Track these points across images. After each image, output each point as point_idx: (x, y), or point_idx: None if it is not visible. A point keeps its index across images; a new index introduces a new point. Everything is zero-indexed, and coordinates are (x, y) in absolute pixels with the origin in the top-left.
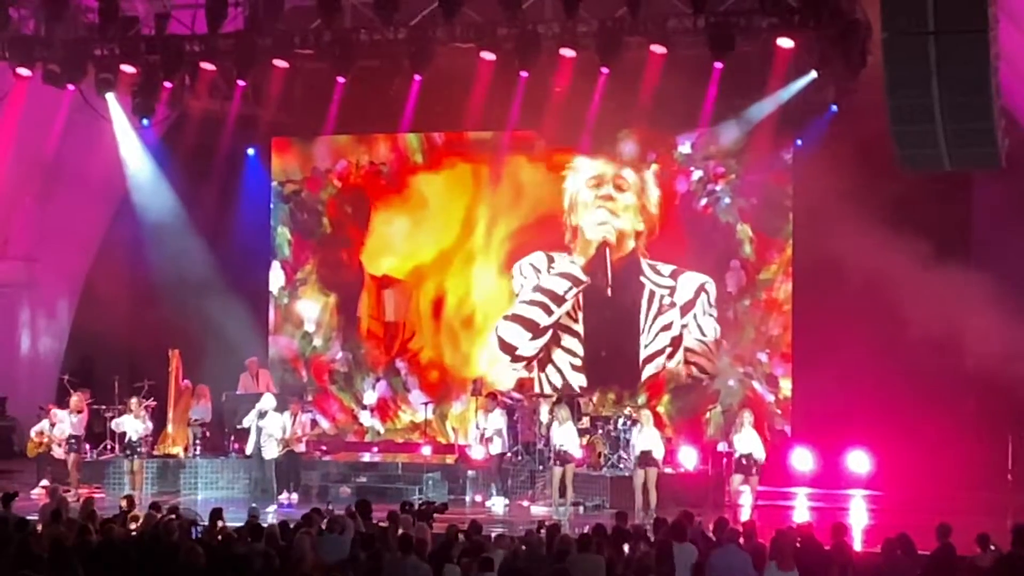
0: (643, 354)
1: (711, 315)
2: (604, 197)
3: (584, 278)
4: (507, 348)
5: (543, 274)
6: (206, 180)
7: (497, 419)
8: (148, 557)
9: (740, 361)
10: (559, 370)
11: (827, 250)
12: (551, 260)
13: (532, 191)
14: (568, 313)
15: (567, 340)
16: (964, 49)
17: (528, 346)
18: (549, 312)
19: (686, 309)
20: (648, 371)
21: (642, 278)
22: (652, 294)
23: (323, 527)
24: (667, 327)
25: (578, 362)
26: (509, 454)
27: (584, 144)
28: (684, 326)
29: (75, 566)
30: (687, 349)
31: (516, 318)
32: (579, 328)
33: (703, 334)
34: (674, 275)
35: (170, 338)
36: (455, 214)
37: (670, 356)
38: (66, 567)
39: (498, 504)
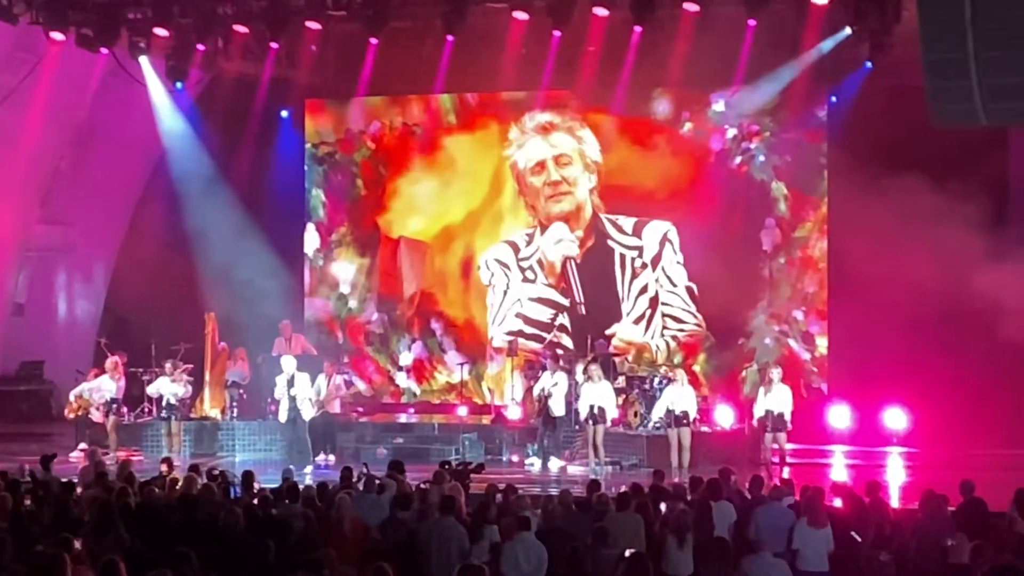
0: (625, 322)
1: (678, 262)
2: (552, 184)
3: (564, 301)
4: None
5: (513, 271)
6: (240, 143)
7: (563, 380)
8: (188, 519)
9: (776, 319)
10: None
11: (862, 207)
12: (516, 250)
13: None
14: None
15: (560, 337)
16: (1000, 2)
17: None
18: (541, 340)
19: (655, 263)
20: (629, 336)
21: (609, 242)
22: (623, 258)
23: (361, 487)
24: (643, 290)
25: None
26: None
27: (618, 103)
28: (656, 281)
29: (119, 528)
30: (663, 303)
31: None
32: (567, 322)
33: (673, 284)
34: (637, 228)
35: (206, 301)
36: (483, 174)
37: (649, 320)
38: (110, 529)
39: (539, 464)
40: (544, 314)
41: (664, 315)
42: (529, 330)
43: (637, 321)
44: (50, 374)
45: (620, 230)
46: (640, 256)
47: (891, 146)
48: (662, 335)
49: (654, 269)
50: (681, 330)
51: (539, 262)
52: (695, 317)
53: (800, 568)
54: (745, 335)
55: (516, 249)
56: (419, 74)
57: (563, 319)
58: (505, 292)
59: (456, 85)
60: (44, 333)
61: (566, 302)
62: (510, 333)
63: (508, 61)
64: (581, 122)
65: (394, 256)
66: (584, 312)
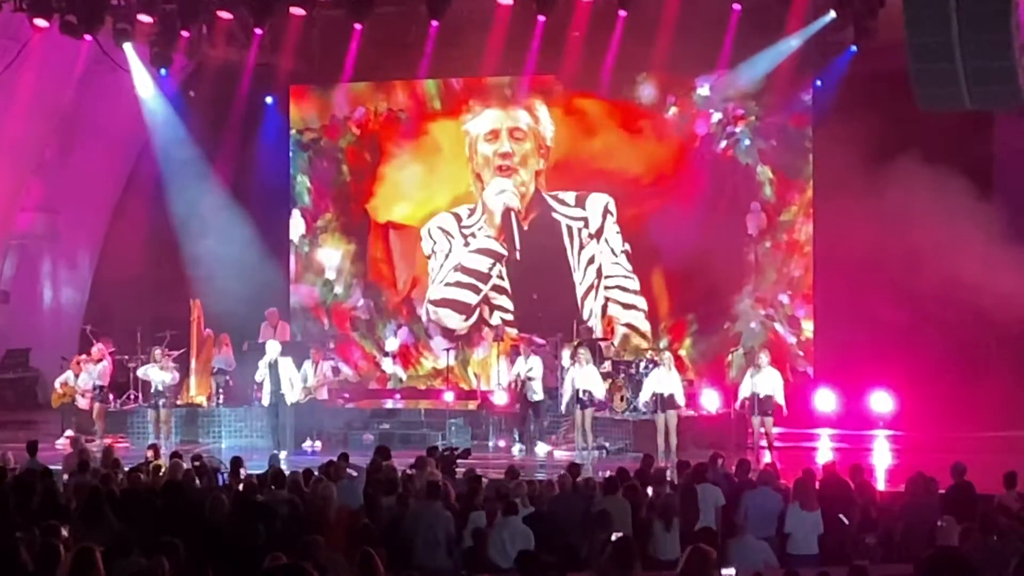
0: (579, 292)
1: (616, 232)
2: (503, 155)
3: (503, 250)
4: (445, 333)
5: (456, 239)
6: (225, 129)
7: (538, 365)
8: (174, 505)
9: (762, 303)
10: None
11: (847, 191)
12: (459, 219)
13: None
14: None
15: (498, 299)
16: None
17: (463, 325)
18: (477, 291)
19: (599, 235)
20: (587, 308)
21: (554, 215)
22: (570, 229)
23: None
24: (591, 260)
25: (510, 317)
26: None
27: (602, 88)
28: (600, 253)
29: (107, 514)
30: (606, 275)
31: (446, 302)
32: (506, 284)
33: (614, 254)
34: (579, 201)
35: (191, 288)
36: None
37: (595, 288)
38: (98, 516)
39: (530, 448)
40: (483, 264)
41: (608, 287)
42: (466, 279)
43: (588, 291)
44: (36, 362)
45: (563, 203)
46: (586, 227)
47: (876, 130)
48: (606, 307)
49: (598, 241)
50: (628, 301)
51: (481, 229)
52: (634, 281)
53: (790, 552)
54: (731, 319)
55: (459, 219)
56: (404, 59)
57: (502, 280)
58: (447, 255)
59: (441, 70)
60: (29, 321)
61: (504, 251)
62: (447, 284)
63: (493, 46)
64: (541, 103)
65: (385, 242)
66: (519, 259)
